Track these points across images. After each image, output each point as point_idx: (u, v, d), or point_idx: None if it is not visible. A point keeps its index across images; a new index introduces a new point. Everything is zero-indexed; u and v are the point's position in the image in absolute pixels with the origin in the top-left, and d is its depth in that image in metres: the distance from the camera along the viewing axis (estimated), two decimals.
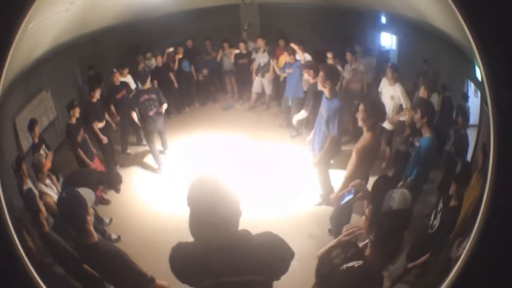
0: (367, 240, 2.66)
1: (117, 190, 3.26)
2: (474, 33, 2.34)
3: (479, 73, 2.55)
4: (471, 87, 2.91)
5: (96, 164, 3.38)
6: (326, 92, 3.47)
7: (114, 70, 3.56)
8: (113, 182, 3.25)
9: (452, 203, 2.87)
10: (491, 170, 2.37)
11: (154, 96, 3.61)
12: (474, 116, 2.90)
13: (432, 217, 2.97)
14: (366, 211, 2.59)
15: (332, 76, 3.48)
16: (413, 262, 2.87)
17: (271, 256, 2.36)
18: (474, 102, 2.87)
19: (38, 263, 2.52)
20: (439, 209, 2.97)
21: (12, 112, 2.73)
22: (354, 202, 2.80)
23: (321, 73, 3.47)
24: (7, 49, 2.28)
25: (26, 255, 2.44)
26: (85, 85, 3.42)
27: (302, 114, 3.77)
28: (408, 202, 2.50)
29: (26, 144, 2.83)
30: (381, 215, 2.48)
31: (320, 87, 3.49)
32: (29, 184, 2.74)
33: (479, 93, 2.77)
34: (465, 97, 2.99)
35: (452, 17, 2.46)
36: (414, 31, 3.35)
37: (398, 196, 2.48)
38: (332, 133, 3.50)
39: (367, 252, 2.62)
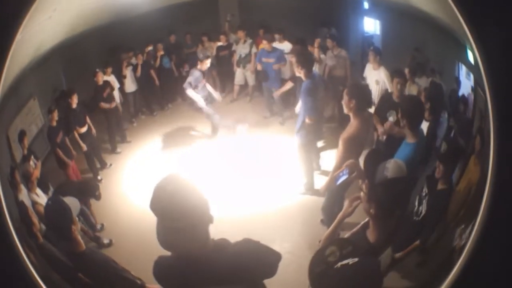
0: (366, 219, 2.64)
1: (97, 198, 3.25)
2: (466, 16, 2.29)
3: (471, 56, 2.52)
4: (463, 70, 2.86)
5: (73, 165, 3.37)
6: (302, 76, 3.46)
7: (97, 70, 3.56)
8: (90, 190, 3.25)
9: (440, 186, 2.81)
10: (492, 154, 2.33)
11: None
12: (467, 99, 2.85)
13: (417, 203, 2.92)
14: (363, 186, 2.57)
15: (305, 61, 3.44)
16: (400, 252, 2.83)
17: (251, 264, 2.29)
18: (466, 85, 2.83)
19: (42, 276, 2.53)
20: (423, 194, 2.91)
21: (5, 124, 2.71)
22: (348, 185, 2.78)
23: (294, 59, 3.46)
24: (3, 63, 2.26)
25: (30, 264, 2.44)
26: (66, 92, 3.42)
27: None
28: (403, 170, 2.47)
29: (18, 155, 2.82)
30: (377, 186, 2.46)
31: (297, 73, 3.47)
32: (22, 195, 2.73)
33: (471, 76, 2.74)
34: (457, 81, 2.93)
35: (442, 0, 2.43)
36: (399, 15, 3.31)
37: (391, 166, 2.47)
38: (301, 114, 3.51)
39: (369, 230, 2.60)
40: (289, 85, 3.78)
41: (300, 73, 3.45)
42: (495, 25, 2.24)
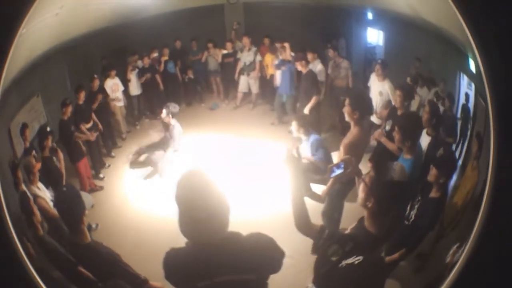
0: (361, 216, 2.63)
1: None
2: (470, 26, 2.32)
3: (473, 65, 2.54)
4: (464, 80, 2.89)
5: (82, 165, 3.41)
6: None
7: (95, 76, 3.58)
8: None
9: (433, 194, 2.79)
10: (492, 161, 2.33)
11: None
12: (467, 108, 2.88)
13: (409, 208, 2.88)
14: (366, 178, 2.57)
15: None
16: (389, 256, 2.80)
17: (261, 256, 2.37)
18: (467, 94, 2.86)
19: (40, 270, 2.53)
20: (417, 199, 2.89)
21: (7, 118, 2.76)
22: (348, 190, 2.78)
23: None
24: (5, 56, 2.29)
25: (29, 261, 2.45)
26: (73, 88, 3.46)
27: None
28: (406, 175, 2.51)
29: (19, 149, 2.86)
30: (383, 184, 2.48)
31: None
32: (23, 188, 2.77)
33: (473, 85, 2.77)
34: (458, 90, 2.96)
35: (445, 9, 2.45)
36: (402, 25, 3.34)
37: (398, 168, 2.52)
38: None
39: (365, 223, 2.59)
40: (314, 100, 3.80)
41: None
42: (499, 33, 2.27)
